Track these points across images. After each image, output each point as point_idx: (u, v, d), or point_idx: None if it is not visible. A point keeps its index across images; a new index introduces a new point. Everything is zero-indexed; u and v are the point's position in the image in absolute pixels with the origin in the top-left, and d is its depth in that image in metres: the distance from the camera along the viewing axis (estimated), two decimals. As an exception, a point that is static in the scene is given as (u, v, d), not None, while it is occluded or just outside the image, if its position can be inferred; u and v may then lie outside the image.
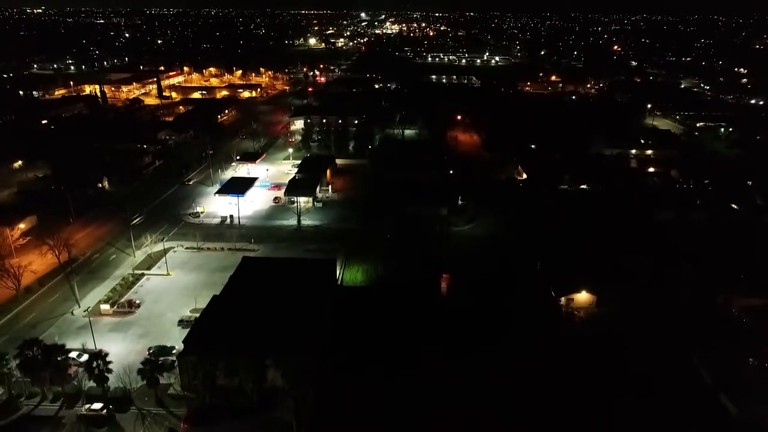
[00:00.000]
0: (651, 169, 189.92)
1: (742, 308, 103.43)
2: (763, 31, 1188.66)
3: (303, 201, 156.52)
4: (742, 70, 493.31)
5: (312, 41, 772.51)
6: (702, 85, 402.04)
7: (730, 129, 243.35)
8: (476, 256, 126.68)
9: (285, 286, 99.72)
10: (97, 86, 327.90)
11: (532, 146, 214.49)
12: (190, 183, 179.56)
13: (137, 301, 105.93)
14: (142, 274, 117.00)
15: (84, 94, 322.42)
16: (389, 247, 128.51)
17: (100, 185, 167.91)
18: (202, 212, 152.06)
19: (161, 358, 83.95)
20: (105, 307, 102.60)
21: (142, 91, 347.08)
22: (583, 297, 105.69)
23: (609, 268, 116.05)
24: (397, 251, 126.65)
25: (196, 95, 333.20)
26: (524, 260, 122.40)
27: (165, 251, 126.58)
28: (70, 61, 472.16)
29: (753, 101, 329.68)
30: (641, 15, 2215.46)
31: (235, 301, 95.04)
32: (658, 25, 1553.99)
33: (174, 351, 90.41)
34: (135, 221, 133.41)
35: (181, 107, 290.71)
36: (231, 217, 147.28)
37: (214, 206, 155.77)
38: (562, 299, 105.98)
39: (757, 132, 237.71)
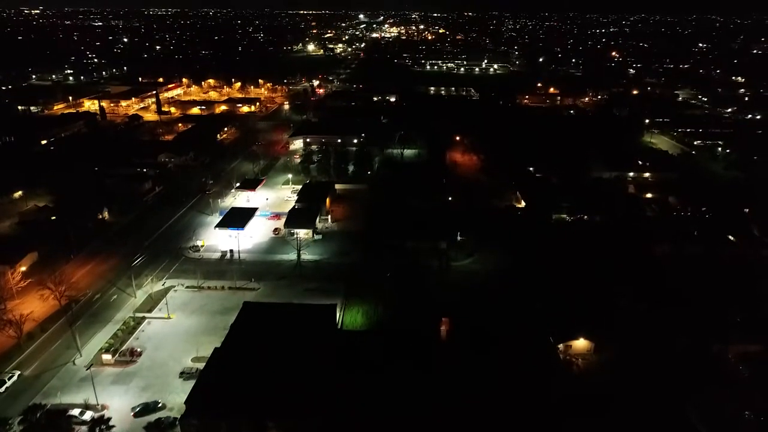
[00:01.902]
0: (649, 195, 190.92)
1: (739, 355, 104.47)
2: (761, 33, 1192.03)
3: (303, 233, 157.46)
4: (739, 79, 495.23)
5: (311, 47, 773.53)
6: (700, 97, 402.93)
7: (728, 150, 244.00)
8: (476, 295, 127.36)
9: (286, 336, 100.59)
10: (96, 101, 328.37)
11: (531, 169, 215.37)
12: (211, 192, 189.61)
13: (138, 349, 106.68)
14: (143, 318, 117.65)
15: (83, 110, 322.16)
16: (389, 286, 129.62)
17: (101, 216, 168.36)
18: (202, 246, 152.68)
19: (151, 417, 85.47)
20: (107, 357, 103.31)
21: (141, 105, 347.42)
22: (581, 344, 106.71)
23: (607, 311, 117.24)
24: (397, 291, 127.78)
25: (195, 110, 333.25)
26: (523, 299, 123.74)
27: (165, 291, 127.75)
28: (69, 71, 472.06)
29: (750, 116, 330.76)
30: (639, 15, 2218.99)
31: (237, 354, 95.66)
32: (657, 26, 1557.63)
33: (159, 406, 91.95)
34: (136, 262, 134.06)
35: (180, 124, 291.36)
36: (231, 251, 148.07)
37: (214, 239, 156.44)
38: (561, 346, 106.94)
39: (754, 152, 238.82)
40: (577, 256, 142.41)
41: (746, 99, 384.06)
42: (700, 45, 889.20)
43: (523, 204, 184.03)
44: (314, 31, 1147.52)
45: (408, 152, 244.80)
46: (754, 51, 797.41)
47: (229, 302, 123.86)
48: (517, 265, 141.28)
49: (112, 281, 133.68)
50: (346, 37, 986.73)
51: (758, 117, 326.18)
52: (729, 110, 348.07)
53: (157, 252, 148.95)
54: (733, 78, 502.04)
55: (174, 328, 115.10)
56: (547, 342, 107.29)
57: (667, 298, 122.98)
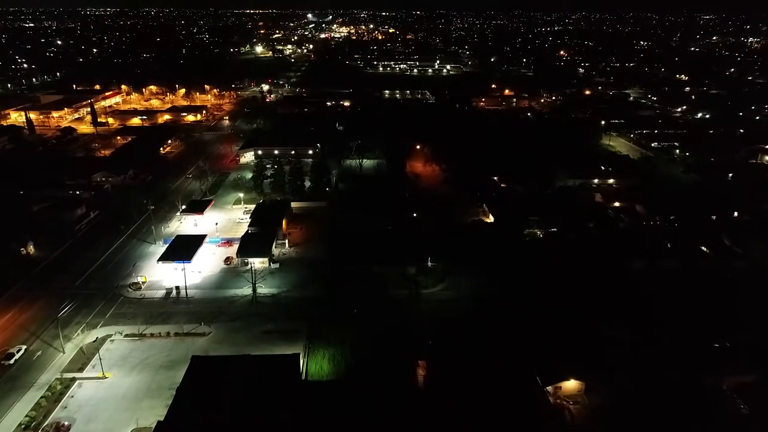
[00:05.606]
0: (616, 204, 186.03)
1: (736, 387, 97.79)
2: (695, 30, 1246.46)
3: (258, 262, 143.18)
4: (683, 77, 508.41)
5: (259, 49, 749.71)
6: (649, 96, 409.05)
7: (686, 153, 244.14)
8: (452, 327, 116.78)
9: (243, 399, 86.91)
10: (24, 113, 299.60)
11: (495, 178, 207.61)
12: (190, 177, 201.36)
13: (66, 423, 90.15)
14: (73, 379, 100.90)
15: (8, 123, 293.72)
16: (356, 324, 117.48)
17: (24, 251, 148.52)
18: (143, 282, 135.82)
19: None
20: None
21: (75, 116, 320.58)
22: (571, 385, 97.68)
23: (592, 344, 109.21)
24: (364, 329, 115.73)
25: (136, 121, 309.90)
26: (504, 331, 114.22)
27: (100, 342, 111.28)
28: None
29: (699, 115, 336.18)
30: (580, 13, 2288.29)
31: (184, 428, 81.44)
32: (598, 23, 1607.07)
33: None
34: (63, 312, 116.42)
35: (119, 137, 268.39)
36: (177, 288, 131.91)
37: (158, 273, 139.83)
38: (549, 388, 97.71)
39: (710, 154, 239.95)
40: (555, 279, 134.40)
41: (693, 98, 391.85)
42: (642, 43, 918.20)
43: (491, 218, 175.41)
44: (262, 31, 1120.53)
45: (367, 162, 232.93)
46: (692, 48, 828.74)
47: (176, 352, 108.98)
48: (492, 291, 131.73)
49: (37, 333, 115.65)
50: (295, 38, 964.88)
51: (707, 116, 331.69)
52: (679, 109, 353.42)
53: (91, 293, 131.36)
54: (677, 76, 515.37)
55: (110, 390, 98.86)
56: (535, 384, 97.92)
57: (650, 323, 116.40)
